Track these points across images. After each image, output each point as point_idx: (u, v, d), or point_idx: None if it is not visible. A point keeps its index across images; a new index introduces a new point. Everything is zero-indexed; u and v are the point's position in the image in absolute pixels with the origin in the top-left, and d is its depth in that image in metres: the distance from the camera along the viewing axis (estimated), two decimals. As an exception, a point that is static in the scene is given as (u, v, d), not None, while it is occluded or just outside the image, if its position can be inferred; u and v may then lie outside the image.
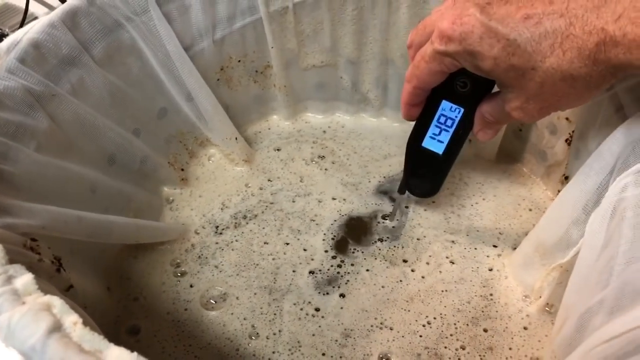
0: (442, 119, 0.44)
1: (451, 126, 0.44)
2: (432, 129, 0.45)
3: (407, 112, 0.45)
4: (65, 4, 0.42)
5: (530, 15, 0.32)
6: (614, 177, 0.37)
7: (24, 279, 0.26)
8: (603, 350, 0.26)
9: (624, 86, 0.39)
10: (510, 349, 0.42)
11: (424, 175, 0.48)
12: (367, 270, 0.47)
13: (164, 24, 0.48)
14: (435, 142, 0.46)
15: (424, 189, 0.49)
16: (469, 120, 0.43)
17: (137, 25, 0.46)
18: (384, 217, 0.51)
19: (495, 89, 0.40)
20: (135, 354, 0.23)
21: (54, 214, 0.34)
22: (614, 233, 0.35)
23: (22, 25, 0.65)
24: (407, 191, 0.50)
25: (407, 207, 0.51)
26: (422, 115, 0.45)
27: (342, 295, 0.45)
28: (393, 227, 0.50)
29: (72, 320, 0.24)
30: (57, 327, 0.24)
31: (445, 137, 0.45)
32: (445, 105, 0.43)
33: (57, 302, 0.25)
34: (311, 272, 0.47)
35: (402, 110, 0.45)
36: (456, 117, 0.44)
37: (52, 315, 0.24)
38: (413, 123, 0.46)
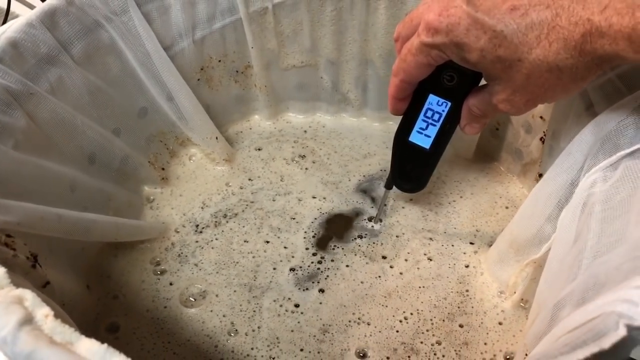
0: (429, 113, 0.44)
1: (438, 120, 0.44)
2: (419, 123, 0.45)
3: (394, 106, 0.45)
4: (44, 3, 0.42)
5: (517, 7, 0.32)
6: (584, 174, 0.37)
7: (-3, 273, 0.26)
8: (566, 339, 0.26)
9: (593, 84, 0.40)
10: (485, 343, 0.42)
11: (411, 170, 0.48)
12: (347, 265, 0.47)
13: (144, 24, 0.48)
14: (423, 137, 0.46)
15: (411, 183, 0.49)
16: (455, 114, 0.43)
17: (117, 25, 0.47)
18: (369, 219, 0.51)
19: (482, 82, 0.40)
20: (105, 345, 0.23)
21: (30, 211, 0.34)
22: (583, 228, 0.35)
23: (3, 24, 0.65)
24: (394, 186, 0.50)
25: (385, 204, 0.52)
26: (409, 110, 0.45)
27: (321, 291, 0.46)
28: (372, 226, 0.51)
29: (43, 312, 0.25)
30: (28, 320, 0.24)
31: (433, 131, 0.45)
32: (432, 99, 0.43)
33: (29, 295, 0.25)
34: (292, 270, 0.47)
35: (390, 104, 0.45)
36: (443, 111, 0.43)
37: (24, 308, 0.25)
38: (393, 123, 0.46)
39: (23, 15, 0.42)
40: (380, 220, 0.51)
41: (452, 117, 0.43)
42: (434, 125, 0.45)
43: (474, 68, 0.37)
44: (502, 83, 0.36)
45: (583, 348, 0.23)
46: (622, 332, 0.22)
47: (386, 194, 0.51)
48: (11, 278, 0.26)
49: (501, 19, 0.33)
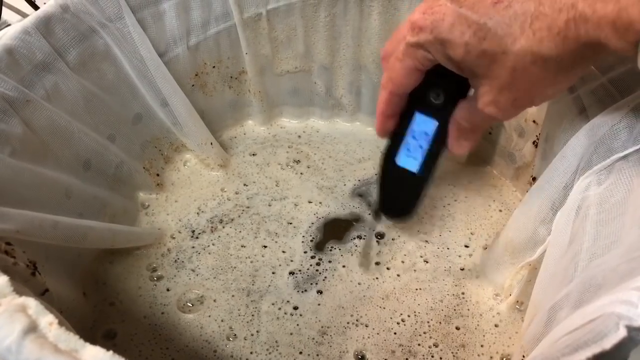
0: (417, 134, 0.43)
1: (426, 141, 0.43)
2: (407, 145, 0.44)
3: (383, 125, 0.44)
4: (39, 10, 0.42)
5: (500, 0, 0.32)
6: (578, 177, 0.38)
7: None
8: (565, 341, 0.27)
9: (586, 89, 0.40)
10: (482, 346, 0.43)
11: (400, 196, 0.46)
12: (344, 266, 0.48)
13: (139, 31, 0.48)
14: (411, 160, 0.44)
15: (399, 211, 0.48)
16: (444, 134, 0.42)
17: (112, 31, 0.47)
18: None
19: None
20: (110, 352, 0.24)
21: (29, 218, 0.34)
22: (579, 230, 0.36)
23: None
24: (382, 216, 0.48)
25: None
26: (396, 131, 0.44)
27: (319, 292, 0.46)
28: (369, 229, 0.51)
29: (47, 320, 0.25)
30: (32, 328, 0.24)
31: (420, 153, 0.44)
32: (419, 118, 0.42)
33: (32, 304, 0.25)
34: (291, 273, 0.47)
35: (378, 123, 0.44)
36: (431, 130, 0.43)
37: (28, 317, 0.24)
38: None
39: (17, 23, 0.42)
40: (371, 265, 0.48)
41: (441, 136, 0.42)
42: (422, 146, 0.43)
43: (459, 68, 0.36)
44: (488, 81, 0.35)
45: (584, 349, 0.23)
46: (622, 333, 0.23)
47: (371, 229, 0.49)
48: (13, 286, 0.26)
49: (485, 13, 0.33)
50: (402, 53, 0.38)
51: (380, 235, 0.50)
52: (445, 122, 0.42)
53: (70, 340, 0.24)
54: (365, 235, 0.50)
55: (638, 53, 0.27)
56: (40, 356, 0.23)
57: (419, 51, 0.37)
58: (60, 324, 0.25)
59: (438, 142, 0.43)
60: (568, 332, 0.28)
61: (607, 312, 0.25)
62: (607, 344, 0.23)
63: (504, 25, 0.32)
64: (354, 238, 0.50)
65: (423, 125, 0.43)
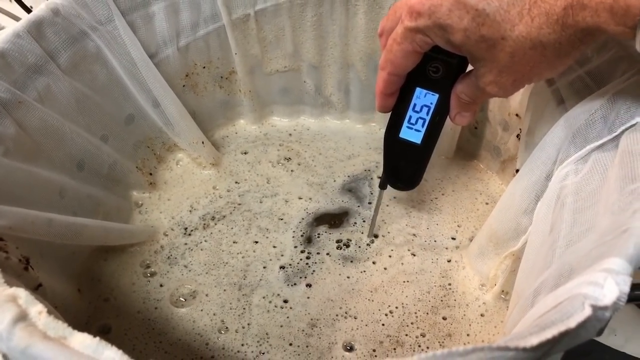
0: (418, 107, 0.44)
1: (427, 113, 0.44)
2: (409, 119, 0.44)
3: (383, 103, 0.44)
4: (31, 14, 0.43)
5: None
6: (557, 167, 0.39)
7: (-10, 274, 0.27)
8: (537, 322, 0.27)
9: (564, 81, 0.41)
10: (468, 335, 0.44)
11: (405, 167, 0.47)
12: (334, 260, 0.49)
13: (129, 33, 0.49)
14: (413, 132, 0.45)
15: (405, 181, 0.49)
16: (444, 106, 0.43)
17: (102, 34, 0.48)
18: (339, 247, 0.50)
19: (468, 69, 0.40)
20: (97, 338, 0.25)
21: (22, 215, 0.35)
22: (557, 219, 0.37)
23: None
24: (388, 185, 0.49)
25: (369, 202, 0.53)
26: (397, 106, 0.44)
27: (308, 286, 0.47)
28: (356, 223, 0.52)
29: (37, 310, 0.26)
30: (22, 317, 0.25)
31: (422, 125, 0.44)
32: (419, 92, 0.43)
33: (22, 294, 0.26)
34: (282, 267, 0.48)
35: (377, 101, 0.44)
36: (432, 103, 0.43)
37: (18, 306, 0.25)
38: (376, 124, 0.46)
39: (9, 27, 0.43)
40: (376, 236, 0.51)
41: (441, 109, 0.43)
42: (424, 118, 0.44)
43: (458, 51, 0.36)
44: (488, 64, 0.35)
45: (551, 328, 0.24)
46: (587, 312, 0.24)
47: (381, 195, 0.50)
48: (4, 278, 0.27)
49: None
50: (400, 36, 0.38)
51: (367, 245, 0.51)
52: (445, 94, 0.42)
53: (58, 327, 0.25)
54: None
55: (636, 36, 0.28)
56: (30, 343, 0.24)
57: (417, 35, 0.37)
58: (50, 312, 0.26)
59: (439, 114, 0.43)
60: (540, 315, 0.29)
61: (575, 293, 0.26)
62: (573, 322, 0.24)
63: (502, 12, 0.32)
64: (342, 233, 0.51)
65: (424, 99, 0.43)
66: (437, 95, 0.43)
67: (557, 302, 0.27)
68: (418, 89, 0.43)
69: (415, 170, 0.48)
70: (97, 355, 0.25)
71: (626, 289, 0.24)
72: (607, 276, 0.25)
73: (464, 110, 0.42)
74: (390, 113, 0.45)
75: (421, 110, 0.44)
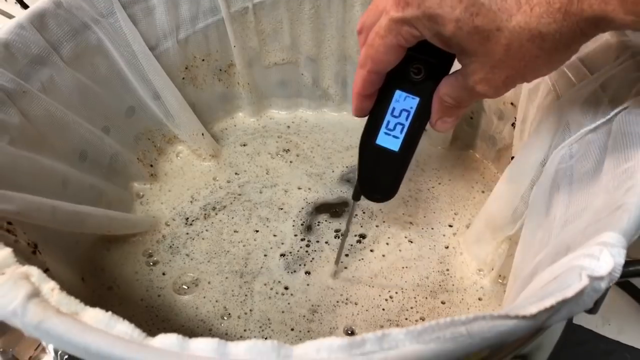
0: (397, 112, 0.40)
1: (407, 119, 0.40)
2: (386, 124, 0.41)
3: (360, 105, 0.40)
4: (33, 6, 0.44)
5: None
6: (551, 152, 0.40)
7: (3, 253, 0.27)
8: (537, 295, 0.28)
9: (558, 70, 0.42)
10: (466, 318, 0.44)
11: (381, 177, 0.44)
12: (333, 250, 0.49)
13: (130, 25, 0.50)
14: (391, 138, 0.41)
15: (381, 192, 0.45)
16: (425, 110, 0.39)
17: (104, 26, 0.48)
18: (337, 236, 0.50)
19: (453, 69, 0.38)
20: (109, 313, 0.25)
21: (28, 201, 0.36)
22: (553, 201, 0.38)
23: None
24: (362, 196, 0.45)
25: (355, 215, 0.52)
26: (374, 110, 0.41)
27: (307, 273, 0.48)
28: (356, 215, 0.53)
29: (49, 287, 0.26)
30: (35, 293, 0.26)
31: (401, 132, 0.41)
32: (398, 95, 0.39)
33: (35, 272, 0.27)
34: (282, 255, 0.49)
35: (354, 103, 0.40)
36: (411, 108, 0.40)
37: (31, 283, 0.26)
38: None
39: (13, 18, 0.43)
40: (342, 262, 0.48)
41: (422, 114, 0.40)
42: (403, 124, 0.40)
43: (447, 45, 0.33)
44: (480, 59, 0.32)
45: (549, 298, 0.25)
46: (584, 282, 0.25)
47: (354, 207, 0.46)
48: (16, 257, 0.28)
49: None
50: (384, 29, 0.34)
51: (362, 236, 0.51)
52: (426, 99, 0.39)
53: (71, 303, 0.26)
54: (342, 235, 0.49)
55: None
56: (43, 318, 0.25)
57: (403, 27, 0.33)
58: (62, 289, 0.26)
59: (419, 119, 0.40)
60: (539, 287, 0.29)
61: (572, 265, 0.27)
62: (570, 292, 0.25)
63: (499, 0, 0.30)
64: (341, 223, 0.52)
65: (403, 103, 0.40)
66: (417, 99, 0.39)
67: (555, 275, 0.28)
68: (398, 92, 0.39)
69: (392, 180, 0.44)
70: (109, 329, 0.26)
71: (621, 260, 0.25)
72: (602, 249, 0.26)
73: (446, 115, 0.39)
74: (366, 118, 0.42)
75: (400, 115, 0.40)
